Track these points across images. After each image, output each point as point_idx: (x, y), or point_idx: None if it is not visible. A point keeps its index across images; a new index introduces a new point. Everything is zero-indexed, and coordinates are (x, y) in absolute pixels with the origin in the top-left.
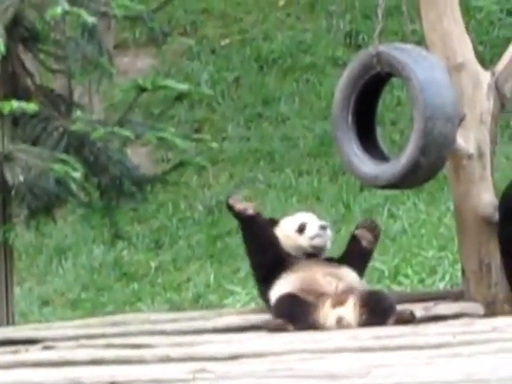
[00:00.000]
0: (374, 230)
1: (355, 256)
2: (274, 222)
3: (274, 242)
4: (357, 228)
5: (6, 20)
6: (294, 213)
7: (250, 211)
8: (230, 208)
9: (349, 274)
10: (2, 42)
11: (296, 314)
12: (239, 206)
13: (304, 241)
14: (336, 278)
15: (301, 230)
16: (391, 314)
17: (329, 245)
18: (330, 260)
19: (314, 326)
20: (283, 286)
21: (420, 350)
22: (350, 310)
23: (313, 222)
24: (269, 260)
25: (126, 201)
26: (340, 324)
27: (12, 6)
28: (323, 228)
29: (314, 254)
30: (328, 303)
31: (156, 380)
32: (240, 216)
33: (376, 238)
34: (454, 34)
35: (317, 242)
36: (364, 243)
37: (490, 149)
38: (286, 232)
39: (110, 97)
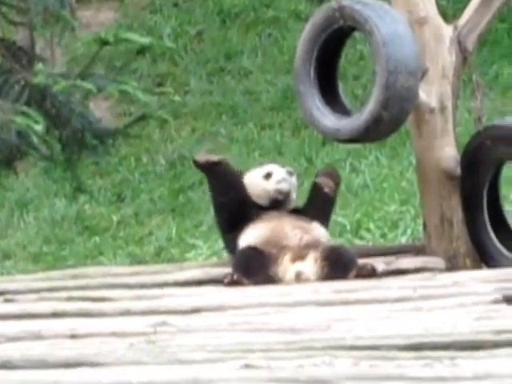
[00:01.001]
0: (334, 177)
1: (318, 204)
2: (240, 173)
3: (238, 184)
4: (317, 176)
5: None
6: (254, 167)
7: (215, 158)
8: (196, 163)
9: (318, 229)
10: None
11: (254, 267)
12: (204, 157)
13: (270, 185)
14: (303, 230)
15: (267, 176)
16: (352, 267)
17: (294, 193)
18: (296, 211)
19: (273, 279)
20: (250, 236)
21: (381, 303)
22: (309, 265)
23: (279, 169)
24: (232, 201)
25: (87, 154)
26: (298, 279)
27: None
28: (290, 173)
29: (280, 203)
30: (288, 257)
31: (117, 333)
32: (206, 164)
33: (337, 184)
34: None
35: (282, 185)
36: (326, 190)
37: (452, 103)
38: (252, 179)
39: (72, 50)
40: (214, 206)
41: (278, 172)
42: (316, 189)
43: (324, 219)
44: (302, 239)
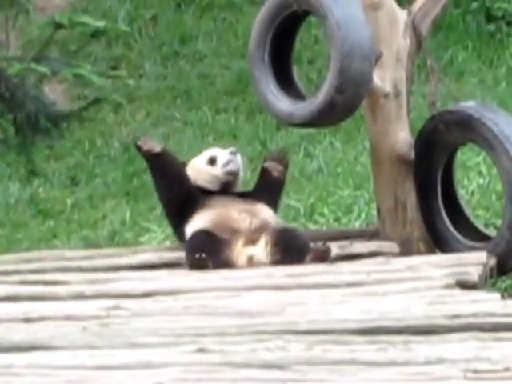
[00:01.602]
0: (282, 160)
1: (267, 188)
2: (182, 164)
3: (182, 176)
4: (265, 160)
5: None
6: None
7: (157, 149)
8: (139, 149)
9: (264, 211)
10: None
11: (208, 250)
12: (147, 145)
13: (217, 170)
14: (251, 214)
15: (212, 161)
16: (306, 251)
17: (241, 171)
18: (245, 195)
19: (227, 263)
20: (198, 222)
21: (335, 288)
22: (261, 249)
23: (222, 152)
24: (178, 195)
25: (41, 137)
26: (251, 263)
27: None
28: (233, 153)
29: (228, 187)
30: (240, 242)
31: (70, 317)
32: (147, 154)
33: (285, 167)
34: None
35: (230, 167)
36: (275, 174)
37: (406, 88)
38: (197, 167)
39: (26, 33)
40: (159, 199)
41: (222, 155)
42: (265, 173)
43: (273, 203)
44: (251, 223)
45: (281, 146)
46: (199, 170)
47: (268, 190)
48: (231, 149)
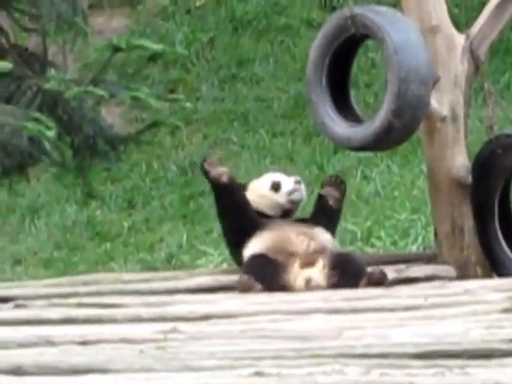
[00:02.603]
0: (339, 186)
1: (324, 216)
2: (243, 187)
3: (246, 208)
4: (322, 186)
5: None
6: (263, 175)
7: (225, 178)
8: (206, 173)
9: (322, 234)
10: None
11: (265, 274)
12: (214, 171)
13: (281, 197)
14: (308, 237)
15: (275, 187)
16: (362, 275)
17: (305, 197)
18: (302, 220)
19: (283, 286)
20: (255, 246)
21: (391, 312)
22: (318, 271)
23: (286, 179)
24: (241, 226)
25: (99, 160)
26: (308, 285)
27: None
28: (298, 182)
29: (287, 214)
30: (297, 264)
31: (127, 339)
32: (214, 182)
33: (342, 194)
34: None
35: (295, 196)
36: (331, 202)
37: (463, 111)
38: (259, 192)
39: (84, 56)
40: (220, 223)
41: (287, 182)
42: (321, 201)
43: (330, 230)
44: (309, 245)
45: (338, 170)
46: (262, 195)
47: (325, 217)
48: (296, 178)
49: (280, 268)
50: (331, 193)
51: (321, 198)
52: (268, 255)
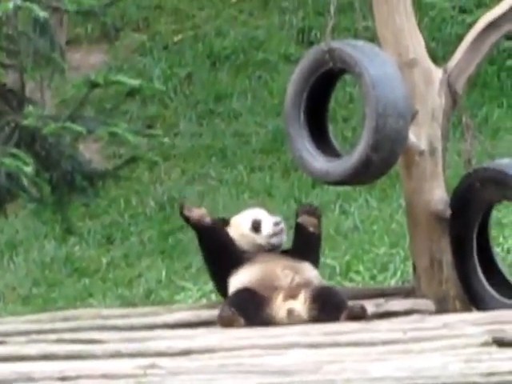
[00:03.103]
0: (314, 213)
1: (305, 244)
2: (224, 222)
3: (232, 246)
4: (298, 215)
5: None
6: (243, 210)
7: (207, 220)
8: (186, 219)
9: (308, 269)
10: None
11: (249, 309)
12: (194, 215)
13: (261, 239)
14: (294, 271)
15: (255, 228)
16: (343, 309)
17: (285, 238)
18: (287, 252)
19: (267, 320)
20: (241, 279)
21: (371, 346)
22: (300, 304)
23: (266, 219)
24: (227, 263)
25: (77, 196)
26: (290, 316)
27: None
28: (277, 224)
29: (270, 251)
30: (280, 296)
31: (107, 375)
32: (197, 226)
33: (319, 219)
34: (407, 31)
35: (275, 240)
36: (311, 229)
37: (441, 145)
38: (239, 231)
39: (62, 92)
40: (207, 264)
41: (266, 223)
42: (300, 229)
43: (313, 258)
44: (293, 279)
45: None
46: (243, 235)
47: (306, 246)
48: (276, 219)
49: (264, 302)
50: (308, 220)
51: (299, 227)
52: (252, 289)
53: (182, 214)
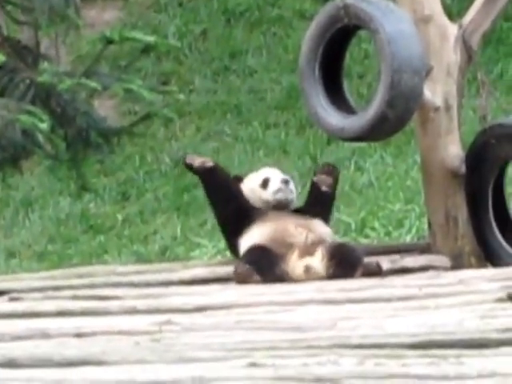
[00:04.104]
0: (331, 172)
1: (318, 203)
2: (238, 179)
3: (236, 191)
4: (315, 174)
5: None
6: (258, 167)
7: (209, 163)
8: (189, 166)
9: (320, 226)
10: None
11: (264, 265)
12: (197, 161)
13: (267, 195)
14: (307, 229)
15: (264, 184)
16: (358, 266)
17: (293, 198)
18: (299, 211)
19: (282, 277)
20: (253, 236)
21: (386, 302)
22: (318, 261)
23: (275, 177)
24: (234, 210)
25: (92, 153)
26: (308, 273)
27: None
28: (285, 182)
29: (280, 208)
30: (296, 253)
31: (122, 331)
32: (200, 170)
33: (335, 179)
34: None
35: (279, 196)
36: (324, 188)
37: (457, 102)
38: (250, 187)
39: (76, 49)
40: (214, 213)
41: (274, 180)
42: (314, 188)
43: (325, 217)
44: (307, 237)
45: (331, 161)
46: (252, 190)
47: (318, 204)
48: (284, 177)
49: (279, 259)
50: (323, 179)
51: (313, 185)
52: (267, 246)
53: (185, 163)
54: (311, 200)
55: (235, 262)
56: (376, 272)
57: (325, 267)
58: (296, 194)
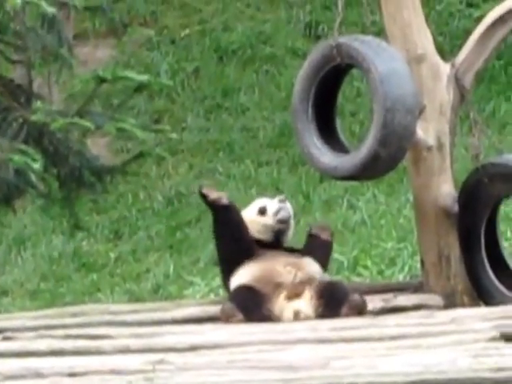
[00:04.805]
0: (327, 228)
1: (317, 249)
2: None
3: (245, 229)
4: (310, 229)
5: None
6: (249, 204)
7: (225, 200)
8: (204, 197)
9: (310, 264)
10: None
11: (249, 305)
12: (213, 194)
13: (269, 219)
14: (296, 267)
15: (262, 211)
16: (344, 302)
17: (292, 219)
18: (293, 251)
19: (268, 317)
20: (242, 275)
21: (379, 341)
22: (306, 303)
23: (271, 201)
24: (239, 247)
25: (85, 191)
26: (297, 317)
27: None
28: (282, 201)
29: (280, 236)
30: (283, 295)
31: (115, 371)
32: (215, 205)
33: (332, 235)
34: (414, 26)
35: (281, 215)
36: (324, 236)
37: (449, 140)
38: (248, 219)
39: (69, 87)
40: (217, 247)
41: (271, 204)
42: (313, 238)
43: (323, 263)
44: (295, 276)
45: (324, 199)
46: (251, 221)
47: (318, 251)
48: (280, 197)
49: (265, 299)
50: (321, 231)
51: (312, 236)
52: (254, 286)
53: (200, 192)
54: (309, 247)
55: (223, 302)
56: (360, 305)
57: (313, 307)
58: (293, 215)
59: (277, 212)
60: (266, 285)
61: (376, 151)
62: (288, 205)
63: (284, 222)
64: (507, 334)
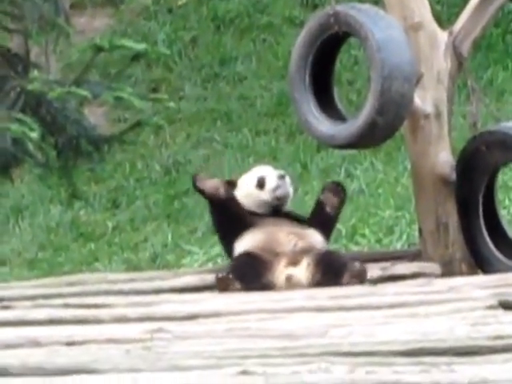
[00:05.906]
0: (339, 193)
1: (319, 222)
2: (231, 184)
3: (242, 217)
4: (323, 191)
5: None
6: (250, 170)
7: (222, 192)
8: (200, 191)
9: (313, 235)
10: None
11: (247, 273)
12: (209, 187)
13: (266, 195)
14: (298, 236)
15: (260, 184)
16: (344, 271)
17: (290, 193)
18: (299, 220)
19: (267, 285)
20: (244, 244)
21: (377, 309)
22: (302, 270)
23: (270, 174)
24: (236, 231)
25: (83, 161)
26: (289, 282)
27: None
28: (282, 177)
29: (277, 209)
30: (282, 263)
31: (113, 340)
32: (212, 198)
33: (341, 202)
34: None
35: (279, 192)
36: (328, 209)
37: (447, 108)
38: (246, 191)
39: (66, 56)
40: (218, 233)
41: (271, 177)
42: (318, 206)
43: (324, 236)
44: (296, 245)
45: (321, 167)
46: (248, 194)
47: (320, 222)
48: (280, 172)
49: (265, 267)
50: (330, 199)
51: (319, 203)
52: (254, 254)
53: (195, 186)
54: (314, 217)
55: (220, 269)
56: (361, 272)
57: (310, 275)
58: (292, 189)
59: (275, 189)
60: (268, 253)
61: (373, 119)
62: (287, 181)
63: (280, 199)
64: (505, 302)
